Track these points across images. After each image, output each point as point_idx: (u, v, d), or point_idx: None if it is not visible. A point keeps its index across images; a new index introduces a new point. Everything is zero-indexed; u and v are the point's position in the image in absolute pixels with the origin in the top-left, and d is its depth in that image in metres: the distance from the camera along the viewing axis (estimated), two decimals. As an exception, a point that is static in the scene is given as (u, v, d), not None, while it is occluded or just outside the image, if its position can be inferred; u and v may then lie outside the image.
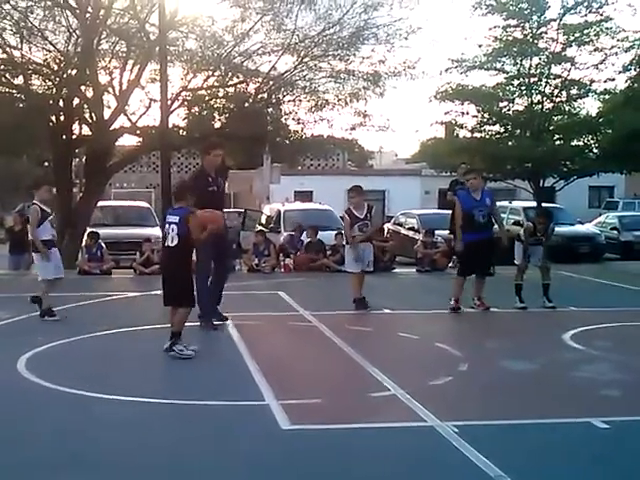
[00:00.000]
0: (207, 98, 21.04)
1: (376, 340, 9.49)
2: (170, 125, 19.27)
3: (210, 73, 20.08)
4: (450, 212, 13.52)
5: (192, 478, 4.97)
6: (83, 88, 19.00)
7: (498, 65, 24.30)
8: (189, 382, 7.24)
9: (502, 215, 21.47)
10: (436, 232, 17.62)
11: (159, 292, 12.45)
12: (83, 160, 24.65)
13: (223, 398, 6.52)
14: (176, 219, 8.17)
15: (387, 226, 22.46)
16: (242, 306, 11.31)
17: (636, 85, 23.16)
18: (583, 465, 5.06)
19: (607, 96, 24.41)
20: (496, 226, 11.60)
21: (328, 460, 5.13)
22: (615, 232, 24.29)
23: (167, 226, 8.30)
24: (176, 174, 26.12)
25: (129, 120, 19.77)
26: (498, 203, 18.88)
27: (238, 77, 20.41)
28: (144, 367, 7.88)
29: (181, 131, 22.20)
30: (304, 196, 31.89)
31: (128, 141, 23.82)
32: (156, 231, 18.73)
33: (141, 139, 21.67)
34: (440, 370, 7.49)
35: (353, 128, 21.47)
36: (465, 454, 5.12)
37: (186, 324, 8.31)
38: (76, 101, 19.33)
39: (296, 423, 5.83)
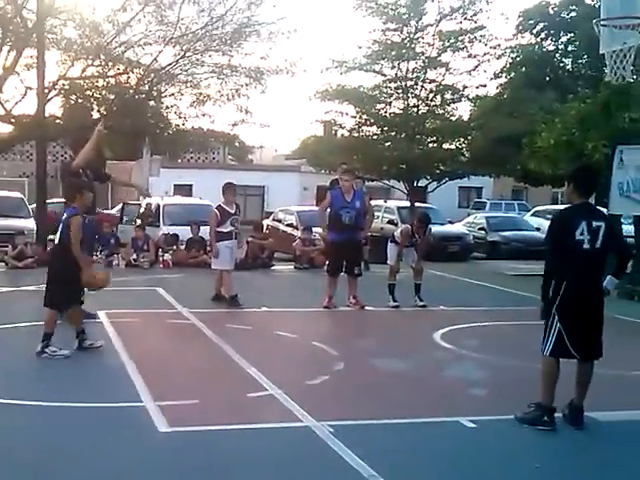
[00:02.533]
0: (86, 88, 20.56)
1: (254, 338, 9.59)
2: (47, 114, 18.73)
3: (89, 62, 19.64)
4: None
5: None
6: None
7: (377, 67, 24.86)
8: (63, 383, 7.15)
9: (377, 213, 22.30)
10: (314, 229, 17.87)
11: (32, 287, 12.31)
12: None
13: (98, 399, 6.48)
14: (64, 219, 8.12)
15: (266, 222, 22.61)
16: (119, 302, 11.18)
17: (506, 92, 24.23)
18: (452, 463, 5.35)
19: (479, 101, 25.44)
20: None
21: (204, 463, 5.17)
22: (483, 232, 25.28)
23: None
24: (51, 163, 25.32)
25: (3, 108, 19.08)
26: (373, 202, 19.49)
27: (118, 68, 20.07)
28: (14, 368, 7.65)
29: (58, 121, 21.58)
30: (183, 190, 31.59)
31: (1, 129, 22.97)
32: (30, 223, 18.18)
33: (16, 128, 20.93)
34: (317, 369, 7.69)
35: (235, 124, 21.52)
36: (340, 454, 5.31)
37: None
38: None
39: (173, 425, 5.86)
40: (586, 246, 5.91)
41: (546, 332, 6.03)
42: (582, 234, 5.91)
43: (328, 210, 11.82)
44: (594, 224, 5.97)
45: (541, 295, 6.09)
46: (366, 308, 11.64)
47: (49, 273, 8.24)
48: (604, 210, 14.28)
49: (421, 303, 11.96)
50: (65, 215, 8.20)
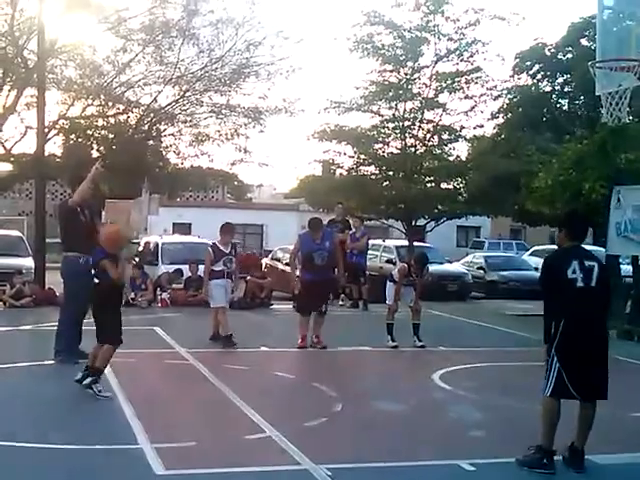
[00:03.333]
0: (85, 127, 20.72)
1: (252, 379, 9.56)
2: (46, 153, 18.84)
3: (89, 102, 19.83)
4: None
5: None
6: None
7: (374, 108, 25.05)
8: (60, 424, 7.08)
9: (375, 253, 22.30)
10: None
11: (30, 327, 12.27)
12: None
13: (95, 441, 6.41)
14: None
15: (265, 261, 22.62)
16: (117, 343, 11.09)
17: (503, 132, 24.36)
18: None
19: (476, 142, 25.58)
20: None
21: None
22: (481, 271, 25.30)
23: None
24: (51, 201, 25.40)
25: (3, 147, 19.21)
26: (372, 241, 19.53)
27: (118, 108, 20.26)
28: (12, 409, 7.59)
29: (57, 159, 21.70)
30: (183, 228, 31.65)
31: (1, 167, 23.10)
32: (28, 261, 18.14)
33: (15, 166, 21.06)
34: (315, 411, 7.65)
35: (234, 163, 21.67)
36: (338, 498, 5.28)
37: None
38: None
39: (170, 468, 5.80)
40: (580, 284, 5.95)
41: (547, 372, 6.02)
42: (574, 272, 5.97)
43: (299, 254, 11.90)
44: (587, 263, 6.03)
45: (543, 337, 6.09)
46: (366, 349, 11.61)
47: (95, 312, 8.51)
48: (602, 250, 14.42)
49: (420, 343, 11.92)
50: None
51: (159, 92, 20.21)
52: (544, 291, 6.23)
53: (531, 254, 29.37)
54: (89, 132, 20.93)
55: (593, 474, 6.01)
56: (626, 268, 15.55)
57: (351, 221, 18.16)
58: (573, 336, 5.92)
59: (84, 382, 8.07)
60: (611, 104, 13.34)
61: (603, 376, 6.05)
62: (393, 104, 24.77)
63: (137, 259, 19.58)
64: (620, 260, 14.81)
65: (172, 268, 18.00)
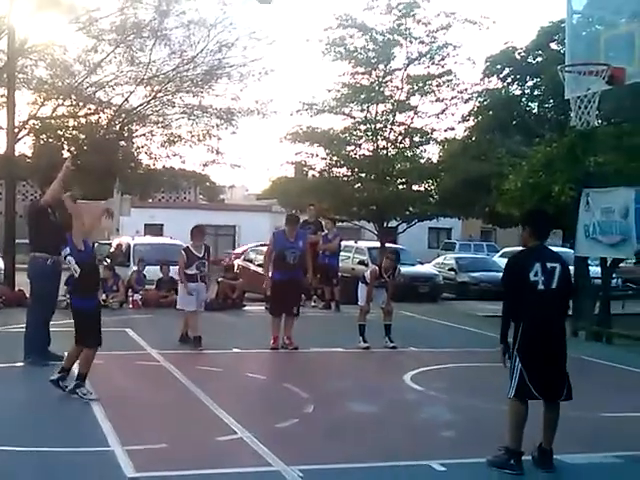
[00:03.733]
0: (56, 127, 20.56)
1: (224, 380, 9.55)
2: (17, 153, 18.67)
3: (60, 102, 19.69)
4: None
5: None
6: None
7: (346, 110, 25.15)
8: (28, 427, 7.00)
9: (347, 254, 22.35)
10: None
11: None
12: None
13: (65, 444, 6.38)
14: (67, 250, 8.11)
15: (237, 262, 22.57)
16: (87, 344, 11.03)
17: (473, 135, 24.55)
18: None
19: (447, 144, 25.77)
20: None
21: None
22: (452, 273, 25.45)
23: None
24: (21, 202, 25.16)
25: (-28, 147, 19.03)
26: (344, 243, 19.60)
27: (89, 108, 20.15)
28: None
29: (28, 160, 21.51)
30: (154, 229, 31.53)
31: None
32: (-2, 262, 17.98)
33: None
34: (286, 412, 7.66)
35: (206, 164, 21.63)
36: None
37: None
38: None
39: (141, 470, 5.78)
40: (541, 287, 6.01)
41: (510, 374, 6.08)
42: (536, 275, 6.02)
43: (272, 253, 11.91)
44: (549, 265, 6.07)
45: (500, 337, 6.14)
46: (338, 350, 11.64)
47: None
48: (571, 251, 14.58)
49: (391, 344, 11.97)
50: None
51: (131, 92, 20.16)
52: (505, 291, 6.27)
53: (501, 255, 29.60)
54: (60, 132, 20.79)
55: (562, 474, 6.09)
56: (595, 269, 15.73)
57: (323, 222, 18.20)
58: (533, 338, 5.99)
59: (68, 388, 7.96)
60: (580, 108, 13.47)
61: (563, 376, 6.11)
62: (365, 106, 24.90)
63: (109, 260, 19.46)
64: (589, 262, 14.97)
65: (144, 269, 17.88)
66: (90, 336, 8.08)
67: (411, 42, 24.87)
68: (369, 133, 24.99)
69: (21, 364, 9.60)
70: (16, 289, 16.48)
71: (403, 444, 6.83)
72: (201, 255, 11.62)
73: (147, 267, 17.95)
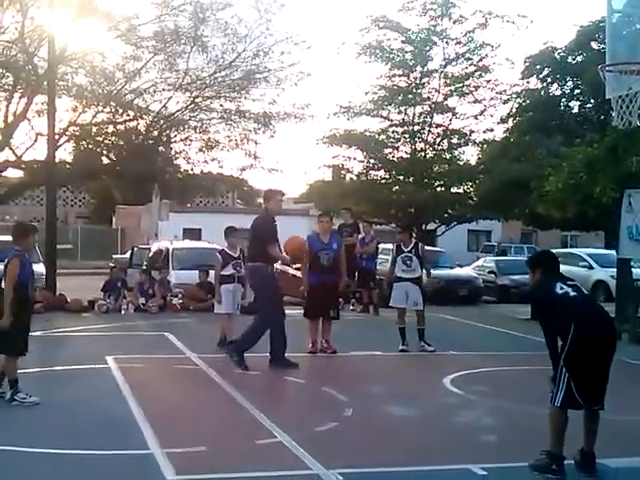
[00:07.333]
0: (96, 134, 20.82)
1: (263, 384, 9.56)
2: (57, 160, 18.91)
3: (100, 109, 19.93)
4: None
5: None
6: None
7: (384, 112, 25.09)
8: (71, 430, 7.06)
9: (385, 257, 22.22)
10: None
11: (39, 333, 12.29)
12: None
13: (105, 447, 6.41)
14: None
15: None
16: (127, 347, 11.17)
17: (513, 136, 24.34)
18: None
19: (485, 146, 25.58)
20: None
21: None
22: (492, 276, 25.18)
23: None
24: (61, 207, 25.55)
25: (14, 154, 19.33)
26: (382, 246, 19.52)
27: (128, 114, 20.36)
28: (23, 415, 7.55)
29: (68, 166, 21.80)
30: (193, 234, 31.67)
31: (12, 173, 23.24)
32: (39, 268, 18.14)
33: (26, 173, 21.20)
34: (326, 415, 7.62)
35: (243, 169, 21.74)
36: (349, 502, 5.26)
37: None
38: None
39: (181, 473, 5.79)
40: (573, 294, 6.00)
41: (556, 382, 5.97)
42: (562, 288, 6.03)
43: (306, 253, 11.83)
44: (569, 282, 6.14)
45: (551, 379, 6.02)
46: (377, 353, 11.58)
47: None
48: (614, 253, 14.34)
49: (430, 348, 11.85)
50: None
51: (169, 99, 20.35)
52: (541, 321, 6.16)
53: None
54: (99, 139, 21.04)
55: (605, 478, 5.97)
56: (638, 271, 15.47)
57: (361, 226, 18.15)
58: (586, 341, 5.85)
59: (6, 398, 7.82)
60: (621, 107, 13.23)
61: (606, 383, 6.00)
62: (402, 108, 24.84)
63: (146, 265, 19.60)
64: (632, 264, 14.73)
65: (184, 274, 17.92)
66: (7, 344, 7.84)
67: (447, 43, 24.75)
68: (407, 135, 24.93)
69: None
70: (57, 293, 16.67)
71: (442, 448, 6.76)
72: (236, 255, 11.69)
73: (185, 271, 18.00)
